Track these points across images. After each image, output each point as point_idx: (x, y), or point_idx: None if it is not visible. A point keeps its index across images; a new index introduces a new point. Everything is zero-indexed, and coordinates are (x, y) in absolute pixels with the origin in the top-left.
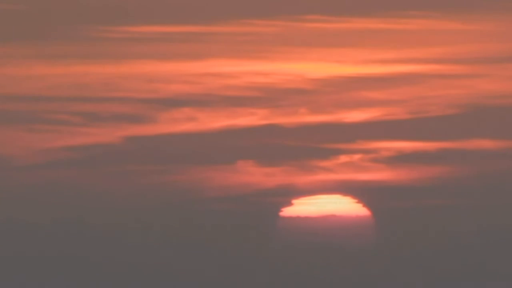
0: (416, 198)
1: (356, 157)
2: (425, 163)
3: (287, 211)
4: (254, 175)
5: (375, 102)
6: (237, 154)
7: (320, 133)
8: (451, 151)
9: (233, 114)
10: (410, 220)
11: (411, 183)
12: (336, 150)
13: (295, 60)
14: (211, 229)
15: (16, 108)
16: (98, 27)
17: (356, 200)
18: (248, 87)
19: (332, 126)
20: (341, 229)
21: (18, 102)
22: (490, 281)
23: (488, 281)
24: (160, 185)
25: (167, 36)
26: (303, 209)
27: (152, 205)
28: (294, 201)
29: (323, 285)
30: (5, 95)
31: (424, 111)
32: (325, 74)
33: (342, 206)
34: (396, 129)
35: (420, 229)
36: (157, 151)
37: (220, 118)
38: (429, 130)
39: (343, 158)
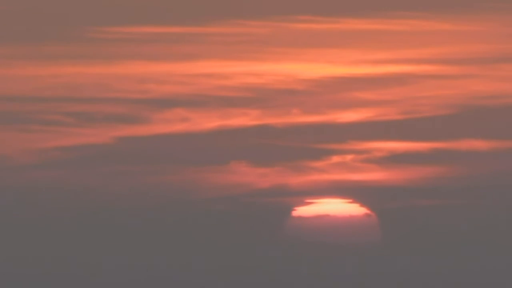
0: (408, 198)
1: (349, 157)
2: (417, 163)
3: (282, 211)
4: (247, 176)
5: (367, 102)
6: (230, 155)
7: (312, 133)
8: (443, 151)
9: (225, 115)
10: (402, 220)
11: (403, 183)
12: (328, 150)
13: (287, 60)
14: (204, 229)
15: (8, 109)
16: (90, 28)
17: (348, 201)
18: (240, 87)
19: (324, 126)
20: (335, 229)
21: (11, 102)
22: (483, 280)
23: (481, 281)
24: (153, 185)
25: (159, 36)
26: (298, 209)
27: (145, 206)
28: (289, 202)
29: (320, 284)
30: None
31: (416, 111)
32: (317, 74)
33: (337, 206)
34: (388, 129)
35: (413, 229)
36: (150, 151)
37: (212, 118)
38: (421, 130)
39: (336, 159)
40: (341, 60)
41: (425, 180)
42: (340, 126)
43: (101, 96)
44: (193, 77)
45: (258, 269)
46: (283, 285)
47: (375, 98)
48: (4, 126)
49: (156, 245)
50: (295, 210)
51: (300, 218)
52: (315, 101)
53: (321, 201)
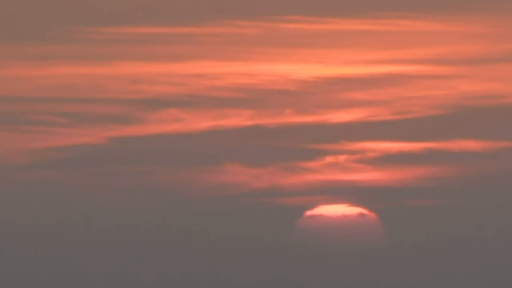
0: (402, 199)
1: (342, 158)
2: (410, 163)
3: (275, 211)
4: (240, 176)
5: (360, 103)
6: (223, 155)
7: (305, 134)
8: (435, 151)
9: (218, 115)
10: (395, 220)
11: (396, 183)
12: (321, 151)
13: (279, 61)
14: (197, 230)
15: (1, 109)
16: (83, 29)
17: (342, 200)
18: (233, 88)
19: (317, 127)
20: (329, 229)
21: (4, 103)
22: (476, 280)
23: (474, 280)
24: (146, 185)
25: (151, 37)
26: (293, 209)
27: (138, 206)
28: (283, 202)
29: (316, 283)
30: None
31: (408, 111)
32: (309, 75)
33: (330, 206)
34: (381, 129)
35: (406, 229)
36: (143, 151)
37: (205, 119)
38: (413, 130)
39: (329, 159)
40: (333, 61)
41: (417, 180)
42: (333, 127)
43: (94, 96)
44: (185, 77)
45: (253, 268)
46: (280, 284)
47: (367, 99)
48: None
49: (151, 245)
50: (288, 210)
51: (294, 218)
52: (307, 101)
53: (314, 201)
